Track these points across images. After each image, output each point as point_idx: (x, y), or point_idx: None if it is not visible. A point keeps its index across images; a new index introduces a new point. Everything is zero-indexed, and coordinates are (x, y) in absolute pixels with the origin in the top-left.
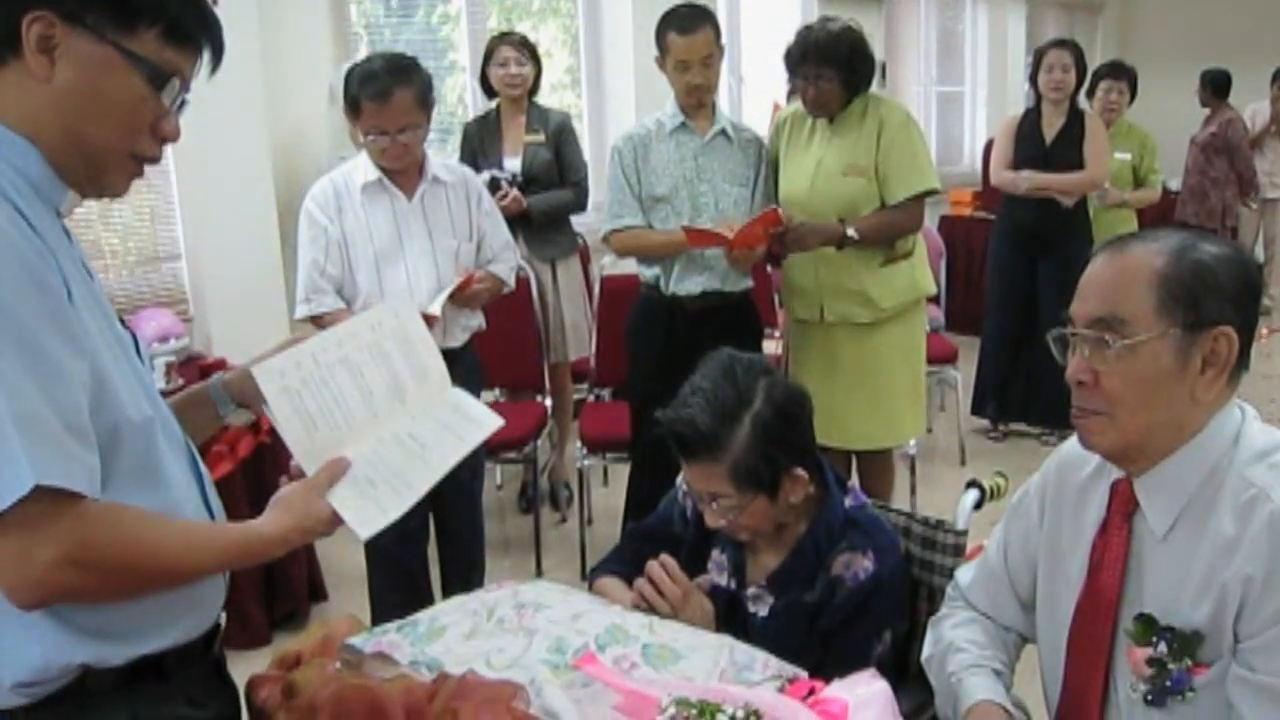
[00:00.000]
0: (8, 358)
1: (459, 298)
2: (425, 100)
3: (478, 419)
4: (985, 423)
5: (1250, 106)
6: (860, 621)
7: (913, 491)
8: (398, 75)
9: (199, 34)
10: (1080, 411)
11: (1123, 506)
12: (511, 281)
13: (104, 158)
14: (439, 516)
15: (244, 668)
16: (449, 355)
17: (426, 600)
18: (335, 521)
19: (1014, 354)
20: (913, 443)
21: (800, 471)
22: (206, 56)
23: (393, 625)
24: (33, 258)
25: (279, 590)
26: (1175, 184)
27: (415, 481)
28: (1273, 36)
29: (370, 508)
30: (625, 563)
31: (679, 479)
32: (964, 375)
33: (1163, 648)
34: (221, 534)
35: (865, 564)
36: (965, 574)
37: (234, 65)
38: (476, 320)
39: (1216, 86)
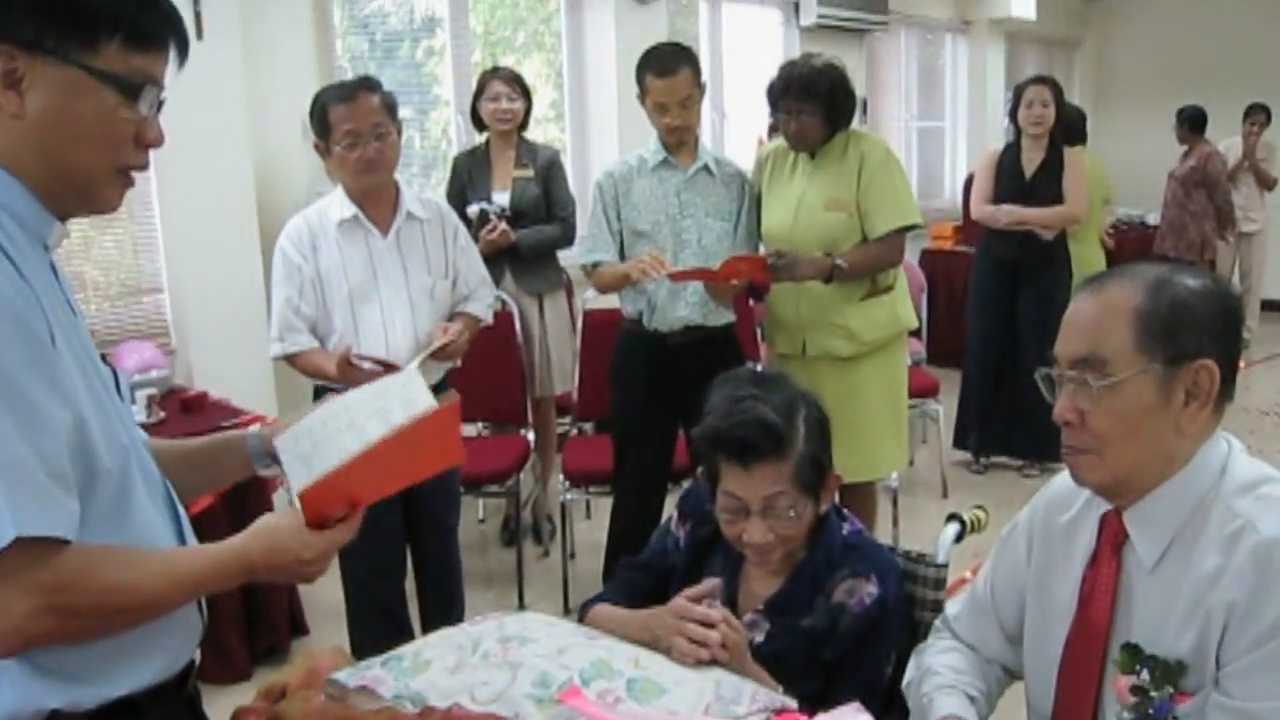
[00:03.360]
0: None
1: (441, 355)
2: (392, 108)
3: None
4: (967, 455)
5: (1223, 142)
6: (872, 646)
7: (895, 524)
8: (363, 81)
9: (162, 32)
10: (1070, 450)
11: (1112, 538)
12: (488, 318)
13: (90, 179)
14: (416, 551)
15: (225, 702)
16: None
17: (406, 635)
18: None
19: (995, 387)
20: (895, 475)
21: (838, 473)
22: (173, 51)
23: (377, 659)
24: (18, 303)
25: (259, 624)
26: (1153, 218)
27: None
28: (1244, 74)
29: (300, 470)
30: (619, 594)
31: (670, 515)
32: (945, 408)
33: (1145, 676)
34: (199, 556)
35: (870, 589)
36: (953, 606)
37: (219, 97)
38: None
39: (1193, 123)
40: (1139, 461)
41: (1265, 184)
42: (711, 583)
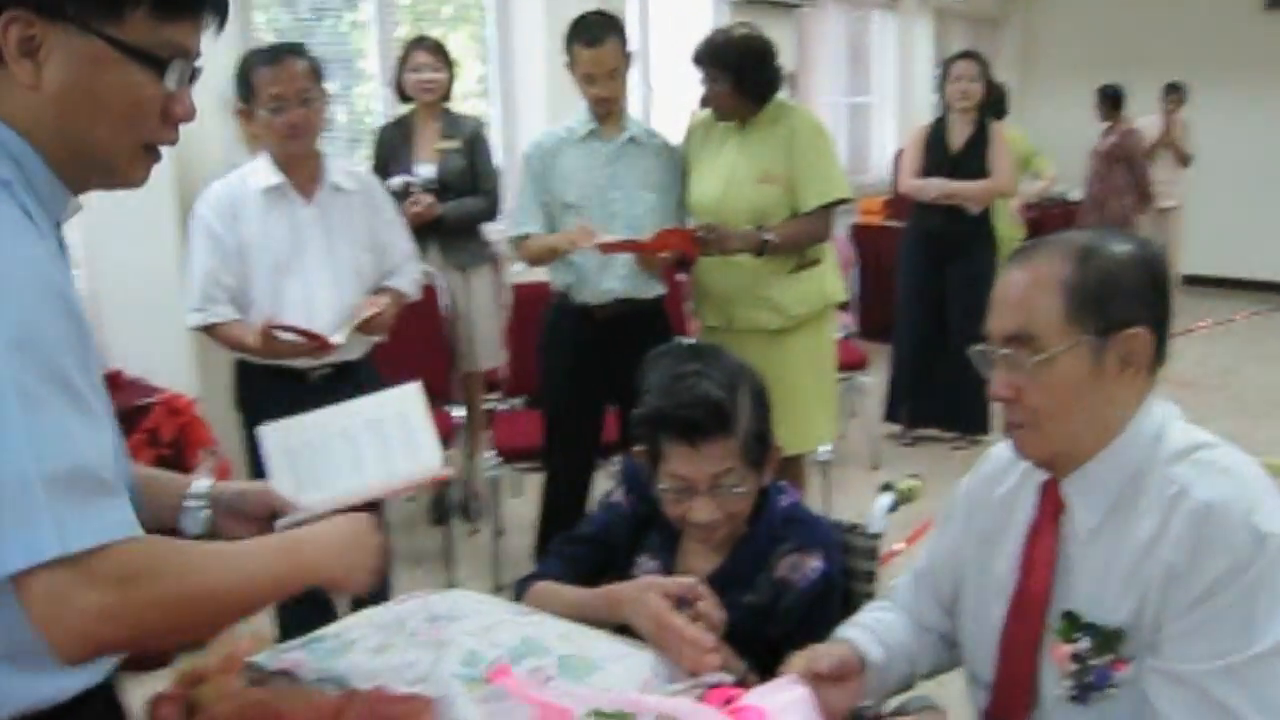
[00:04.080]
0: (53, 409)
1: (366, 328)
2: (319, 74)
3: (423, 458)
4: (897, 428)
5: (1142, 120)
6: (819, 621)
7: (826, 497)
8: (290, 46)
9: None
10: (1009, 425)
11: (1051, 508)
12: (415, 293)
13: (113, 156)
14: None
15: (145, 689)
16: (345, 368)
17: (332, 617)
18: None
19: (924, 359)
20: (825, 448)
21: (778, 444)
22: (210, 17)
23: (298, 641)
24: (69, 291)
25: None
26: (1077, 194)
27: (338, 486)
28: (1163, 53)
29: (289, 480)
30: (561, 570)
31: (615, 485)
32: (876, 381)
33: (1085, 643)
34: (261, 545)
35: (814, 564)
36: (900, 578)
37: None
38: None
39: (1113, 100)
40: (1077, 433)
41: (1182, 161)
42: (689, 582)
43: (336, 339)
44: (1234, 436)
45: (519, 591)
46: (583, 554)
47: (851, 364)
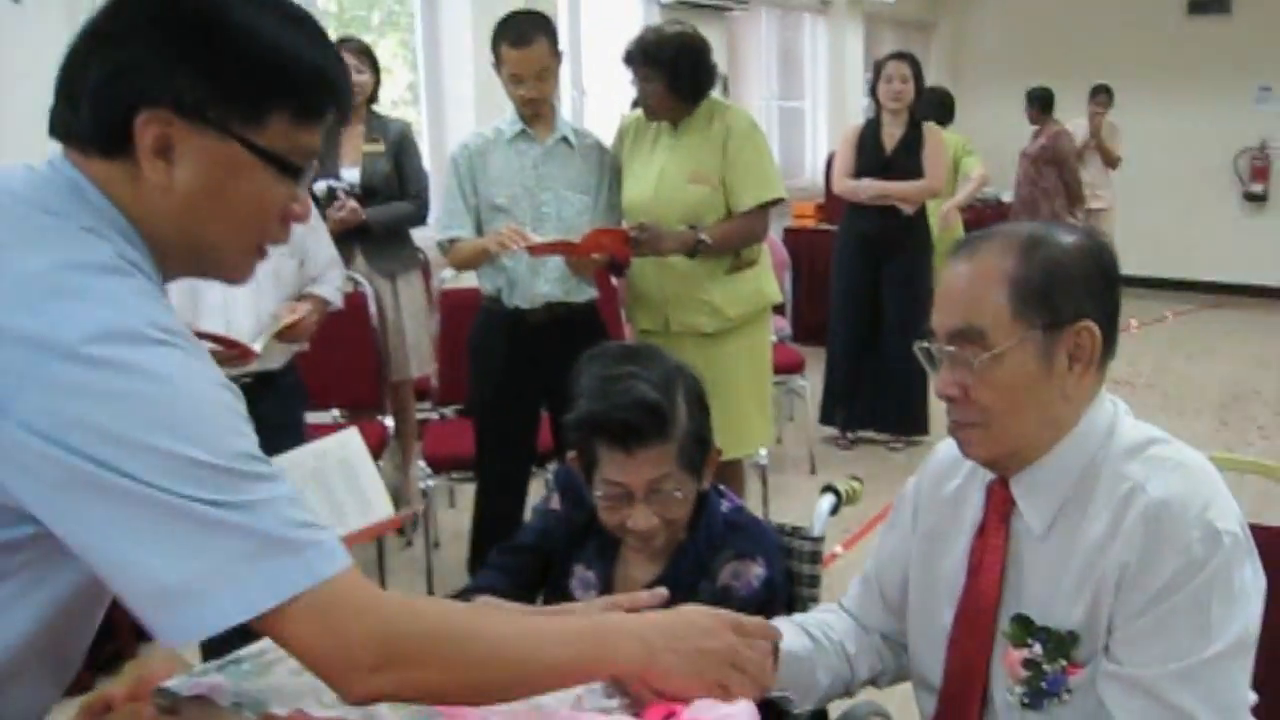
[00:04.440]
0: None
1: (285, 336)
2: None
3: (373, 506)
4: (834, 431)
5: (1070, 122)
6: None
7: (765, 501)
8: None
9: (330, 102)
10: (956, 425)
11: (999, 507)
12: (338, 301)
13: (226, 254)
14: None
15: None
16: (266, 377)
17: (254, 635)
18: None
19: (859, 361)
20: (763, 452)
21: (718, 447)
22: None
23: (215, 663)
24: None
25: (100, 629)
26: (1007, 196)
27: None
28: (1089, 56)
29: None
30: (499, 581)
31: (550, 491)
32: (812, 384)
33: (1038, 649)
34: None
35: (757, 570)
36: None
37: (40, 67)
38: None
39: (1043, 103)
40: (1027, 431)
41: (1110, 163)
42: (658, 593)
43: (255, 346)
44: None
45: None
46: (521, 564)
47: (787, 367)
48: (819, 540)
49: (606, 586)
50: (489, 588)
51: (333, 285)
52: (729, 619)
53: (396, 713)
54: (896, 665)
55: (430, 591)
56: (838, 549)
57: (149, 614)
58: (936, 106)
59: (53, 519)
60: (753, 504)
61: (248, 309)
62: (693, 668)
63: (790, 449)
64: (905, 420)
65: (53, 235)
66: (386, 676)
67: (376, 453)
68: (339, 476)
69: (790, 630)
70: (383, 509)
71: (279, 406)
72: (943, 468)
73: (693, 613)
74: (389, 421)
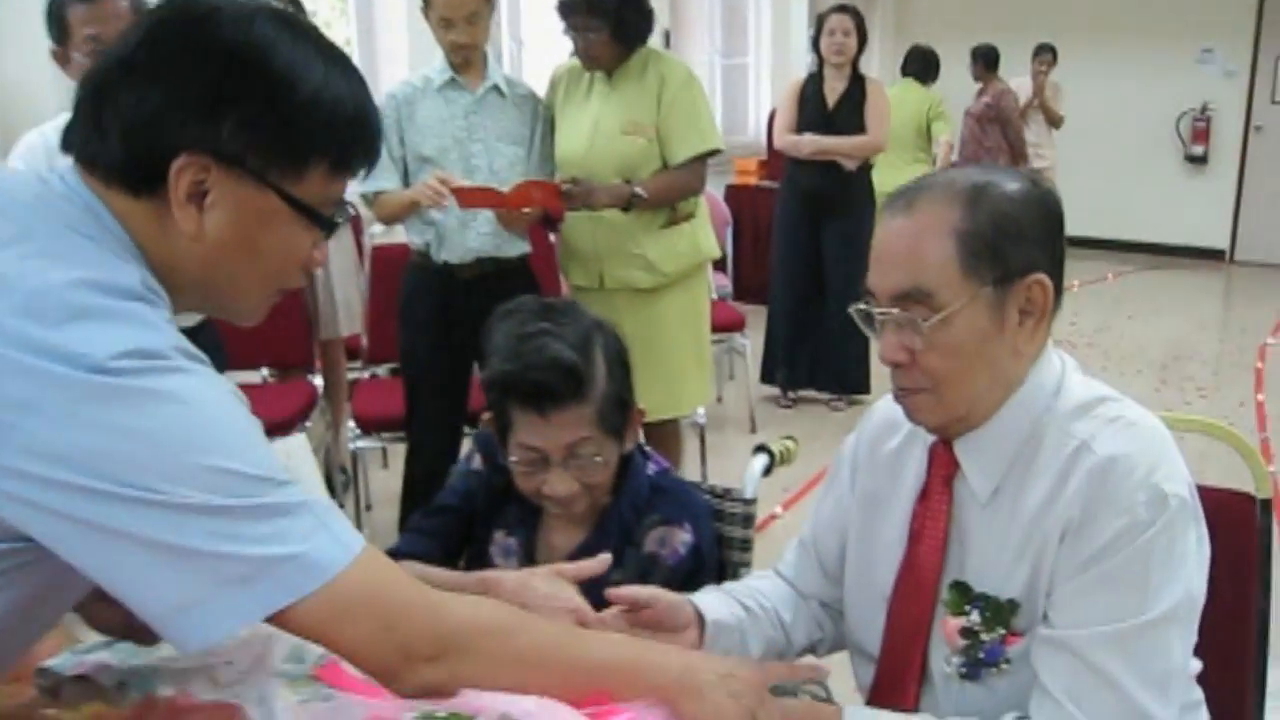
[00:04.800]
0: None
1: None
2: (139, 10)
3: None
4: (775, 390)
5: (1013, 81)
6: None
7: (703, 460)
8: None
9: (368, 154)
10: (903, 391)
11: (942, 470)
12: None
13: (246, 299)
14: None
15: None
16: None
17: None
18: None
19: (801, 320)
20: (701, 411)
21: (641, 408)
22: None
23: (103, 640)
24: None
25: None
26: (952, 156)
27: None
28: (1032, 14)
29: None
30: (421, 545)
31: (472, 450)
32: (753, 343)
33: (975, 616)
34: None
35: (684, 537)
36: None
37: None
38: None
39: (987, 61)
40: (977, 393)
41: (1053, 122)
42: (603, 559)
43: (300, 437)
44: None
45: None
46: (444, 527)
47: (728, 325)
48: (751, 503)
49: (528, 554)
50: (408, 554)
51: None
52: (764, 674)
53: (296, 690)
54: (836, 633)
55: None
56: (777, 510)
57: (162, 623)
58: (919, 63)
59: (57, 541)
60: (690, 464)
61: None
62: (730, 689)
63: (730, 408)
64: (847, 379)
65: (87, 252)
66: (440, 668)
67: (305, 413)
68: None
69: (720, 599)
70: None
71: None
72: (881, 427)
73: (743, 660)
74: (318, 381)
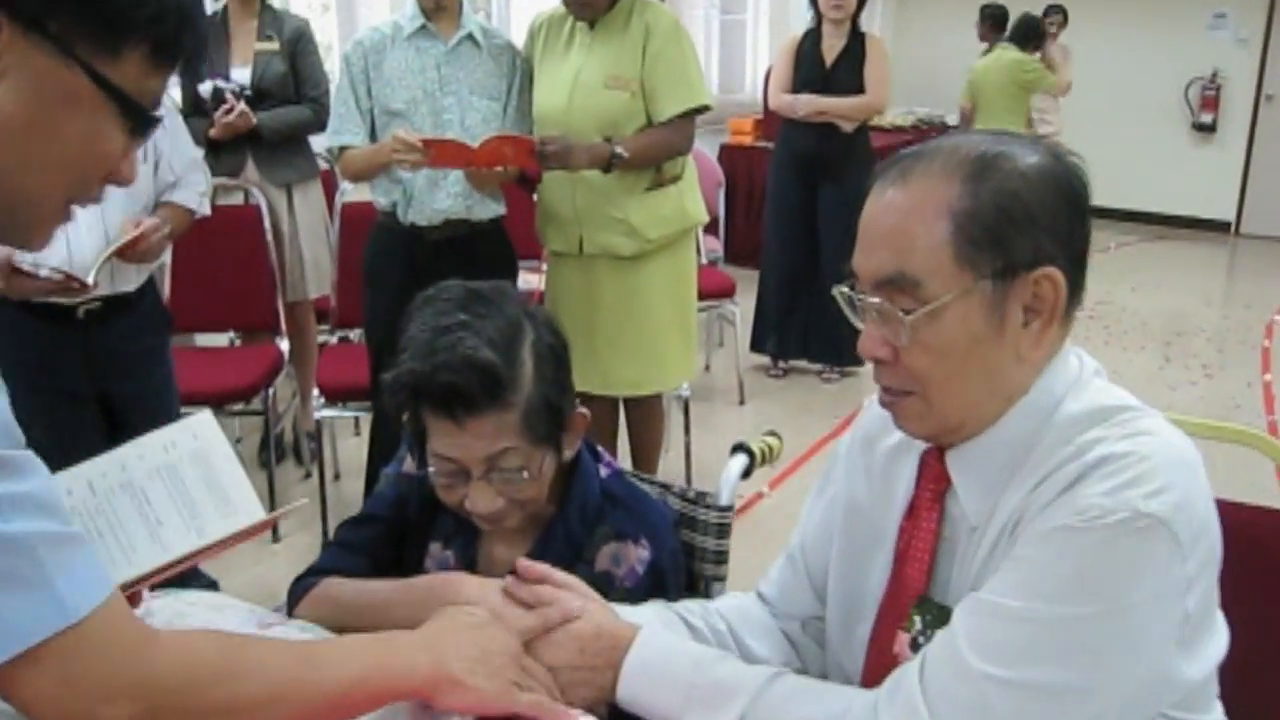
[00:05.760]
0: None
1: (130, 254)
2: None
3: (238, 508)
4: (765, 360)
5: None
6: None
7: (686, 430)
8: None
9: (189, 46)
10: (887, 392)
11: (933, 484)
12: (204, 208)
13: (35, 206)
14: None
15: None
16: (118, 302)
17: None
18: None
19: (794, 288)
20: (685, 385)
21: (584, 411)
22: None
23: None
24: None
25: None
26: (953, 118)
27: (139, 560)
28: None
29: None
30: (347, 562)
31: (403, 450)
32: (743, 310)
33: (919, 624)
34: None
35: (640, 554)
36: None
37: None
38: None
39: (995, 20)
40: (971, 402)
41: (1061, 86)
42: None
43: (89, 278)
44: (1107, 368)
45: (292, 601)
46: (373, 539)
47: (718, 291)
48: (728, 510)
49: (467, 568)
50: (334, 569)
51: (195, 190)
52: (516, 636)
53: None
54: (822, 658)
55: (325, 529)
56: (764, 489)
57: None
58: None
59: None
60: (675, 439)
61: (93, 226)
62: (486, 670)
63: (718, 377)
64: (840, 350)
65: None
66: None
67: (270, 379)
68: (193, 471)
69: (660, 614)
70: (249, 509)
71: (133, 335)
72: (877, 423)
73: (458, 612)
74: (285, 345)
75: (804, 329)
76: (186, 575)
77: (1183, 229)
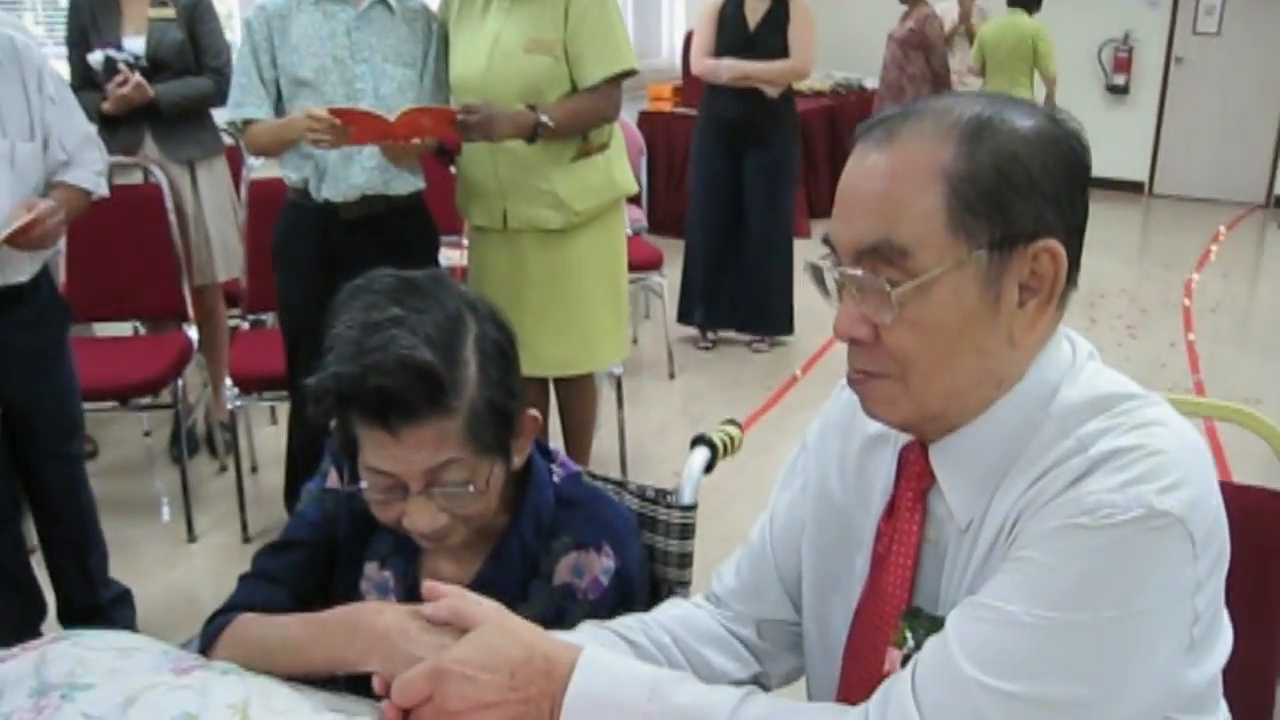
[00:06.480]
0: None
1: (22, 242)
2: None
3: None
4: (693, 331)
5: (939, 5)
6: None
7: (620, 406)
8: None
9: None
10: (860, 375)
11: (915, 482)
12: (101, 189)
13: None
14: (31, 494)
15: None
16: (11, 293)
17: (29, 596)
18: None
19: (720, 256)
20: (618, 361)
21: (534, 413)
22: None
23: None
24: None
25: None
26: (871, 82)
27: None
28: None
29: None
30: (266, 595)
31: (325, 464)
32: (670, 281)
33: (911, 641)
34: None
35: (604, 563)
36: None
37: None
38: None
39: None
40: (957, 389)
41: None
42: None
43: None
44: None
45: (205, 639)
46: (293, 568)
47: (644, 263)
48: (690, 509)
49: (408, 590)
50: (249, 604)
51: (90, 170)
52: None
53: None
54: (793, 662)
55: (246, 527)
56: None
57: None
58: None
59: None
60: (608, 418)
61: None
62: None
63: (647, 351)
64: (769, 319)
65: None
66: None
67: (179, 368)
68: None
69: (596, 639)
70: None
71: (29, 329)
72: (847, 413)
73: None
74: (193, 332)
75: (732, 298)
76: (99, 611)
77: (1098, 190)
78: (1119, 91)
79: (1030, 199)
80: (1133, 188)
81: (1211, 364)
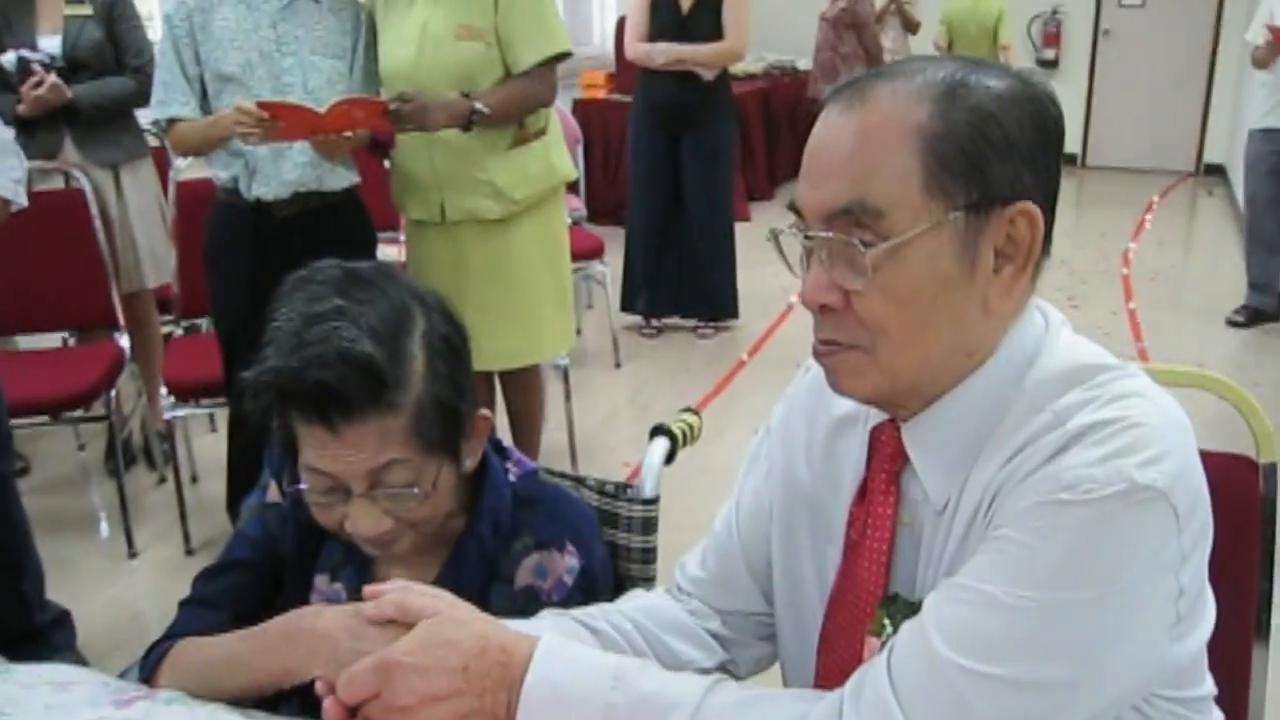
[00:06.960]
0: None
1: None
2: None
3: None
4: (637, 319)
5: None
6: None
7: (567, 399)
8: None
9: None
10: (827, 346)
11: (888, 463)
12: (20, 197)
13: None
14: None
15: None
16: None
17: None
18: None
19: (661, 242)
20: (564, 352)
21: (486, 413)
22: None
23: None
24: None
25: None
26: (804, 63)
27: None
28: None
29: None
30: (207, 620)
31: (264, 476)
32: (612, 270)
33: (890, 628)
34: None
35: (568, 562)
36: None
37: None
38: None
39: None
40: (930, 360)
41: (910, 27)
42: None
43: None
44: None
45: (146, 667)
46: (234, 590)
47: (586, 252)
48: (652, 503)
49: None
50: (189, 632)
51: (8, 177)
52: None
53: None
54: (762, 653)
55: (187, 540)
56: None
57: None
58: None
59: None
60: (555, 410)
61: None
62: None
63: (591, 341)
64: (713, 304)
65: None
66: None
67: (111, 379)
68: None
69: (558, 628)
70: None
71: None
72: (813, 395)
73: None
74: (125, 341)
75: (675, 284)
76: (37, 635)
77: None
78: (1049, 65)
79: (1008, 159)
80: (1066, 160)
81: (1153, 330)
